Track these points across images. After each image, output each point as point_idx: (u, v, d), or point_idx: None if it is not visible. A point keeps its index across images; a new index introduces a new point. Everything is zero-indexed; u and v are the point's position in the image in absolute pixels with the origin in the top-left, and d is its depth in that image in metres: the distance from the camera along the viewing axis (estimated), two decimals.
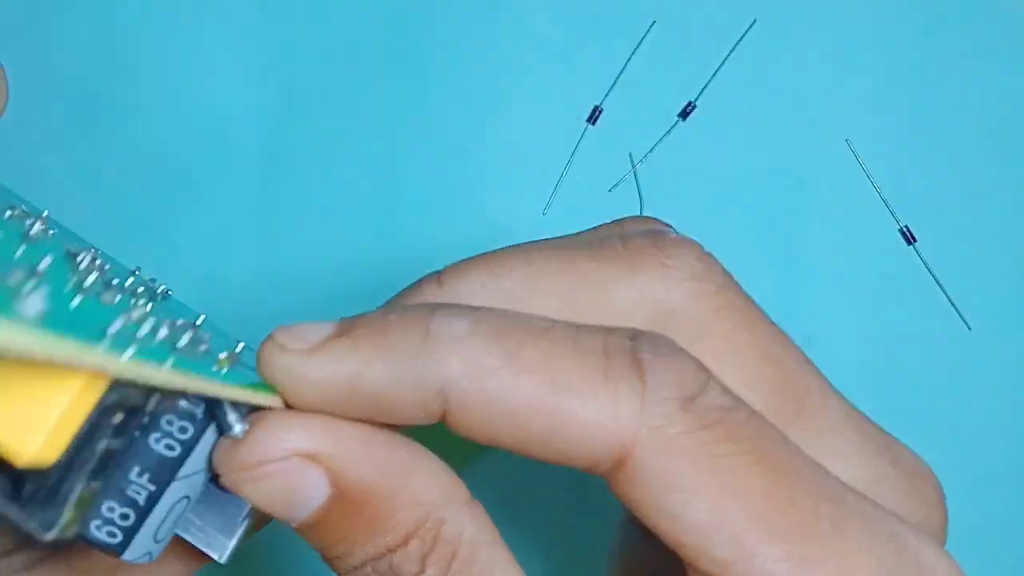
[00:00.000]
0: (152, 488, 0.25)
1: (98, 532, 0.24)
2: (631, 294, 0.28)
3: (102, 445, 0.23)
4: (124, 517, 0.25)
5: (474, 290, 0.28)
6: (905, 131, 0.35)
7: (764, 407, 0.28)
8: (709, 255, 0.28)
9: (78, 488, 0.23)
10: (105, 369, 0.20)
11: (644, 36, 0.35)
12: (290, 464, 0.26)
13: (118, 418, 0.23)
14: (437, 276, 0.28)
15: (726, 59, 0.35)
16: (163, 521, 0.25)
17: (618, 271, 0.28)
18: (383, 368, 0.26)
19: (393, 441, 0.26)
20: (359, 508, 0.26)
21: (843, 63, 0.36)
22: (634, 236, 0.28)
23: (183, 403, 0.25)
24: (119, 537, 0.24)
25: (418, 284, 0.29)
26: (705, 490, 0.26)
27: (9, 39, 0.39)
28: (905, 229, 0.35)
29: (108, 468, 0.24)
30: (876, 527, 0.27)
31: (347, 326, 0.26)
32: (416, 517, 0.27)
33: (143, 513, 0.25)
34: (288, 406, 0.26)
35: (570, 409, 0.26)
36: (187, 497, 0.26)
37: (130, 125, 0.37)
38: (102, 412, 0.22)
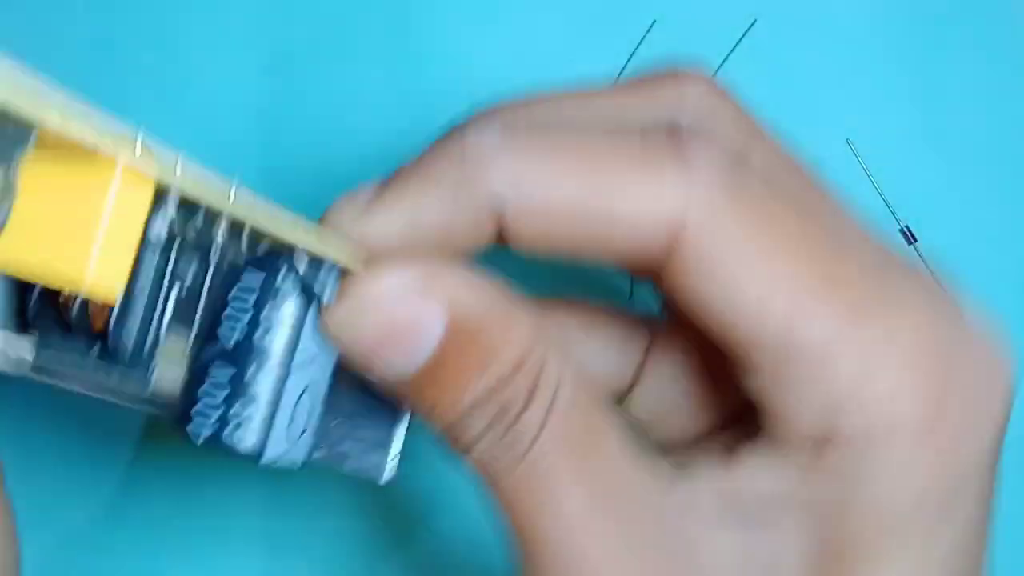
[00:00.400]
0: (267, 376, 0.24)
1: (229, 438, 0.24)
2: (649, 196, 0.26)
3: (175, 291, 0.23)
4: (248, 417, 0.24)
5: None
6: (906, 131, 0.35)
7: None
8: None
9: (160, 334, 0.23)
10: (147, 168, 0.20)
11: (644, 36, 0.35)
12: (409, 299, 0.25)
13: (190, 265, 0.23)
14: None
15: (726, 59, 0.35)
16: (292, 419, 0.25)
17: (633, 171, 0.26)
18: (434, 203, 0.26)
19: (489, 278, 0.26)
20: (471, 341, 0.25)
21: (843, 63, 0.36)
22: (654, 133, 0.26)
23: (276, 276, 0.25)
24: (254, 439, 0.24)
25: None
26: (760, 260, 0.25)
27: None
28: (905, 229, 0.35)
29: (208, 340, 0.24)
30: (920, 285, 0.26)
31: (386, 181, 0.26)
32: (522, 349, 0.26)
33: (270, 409, 0.24)
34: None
35: (618, 200, 0.25)
36: (308, 390, 0.25)
37: None
38: (164, 243, 0.22)
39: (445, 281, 0.25)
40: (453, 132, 0.26)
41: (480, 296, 0.26)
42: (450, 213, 0.26)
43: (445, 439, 0.26)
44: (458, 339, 0.25)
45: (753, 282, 0.25)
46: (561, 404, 0.26)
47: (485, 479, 0.26)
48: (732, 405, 0.29)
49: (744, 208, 0.25)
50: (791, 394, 0.26)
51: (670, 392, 0.30)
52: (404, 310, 0.25)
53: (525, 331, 0.26)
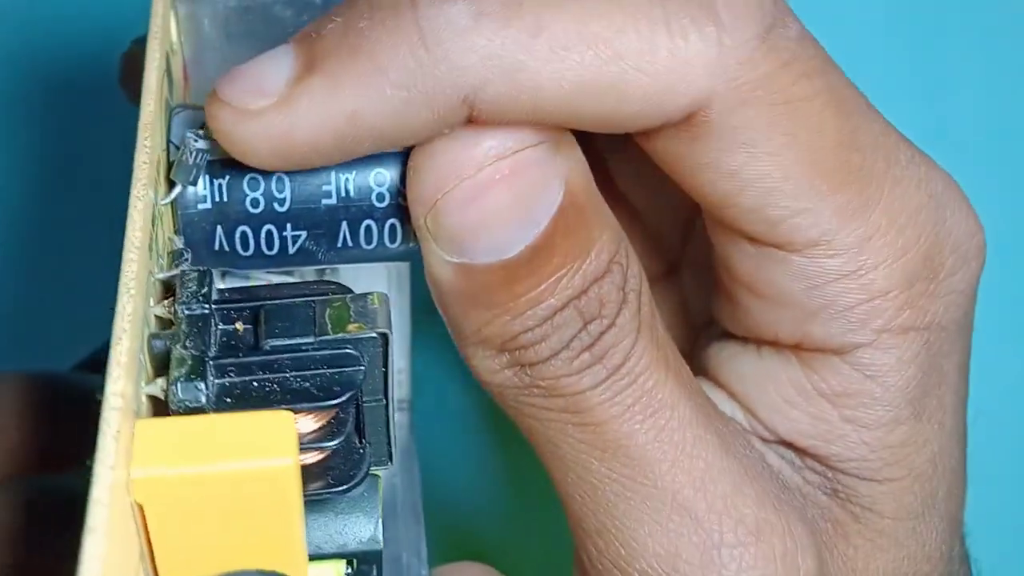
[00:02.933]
0: None
1: None
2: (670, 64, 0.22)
3: None
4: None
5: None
6: (905, 131, 0.36)
7: None
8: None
9: None
10: None
11: None
12: (543, 151, 0.22)
13: None
14: None
15: None
16: None
17: (650, 33, 0.21)
18: (382, 99, 0.21)
19: None
20: (578, 222, 0.22)
21: (843, 62, 0.35)
22: None
23: None
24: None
25: None
26: (774, 141, 0.22)
27: None
28: None
29: None
30: (913, 157, 0.24)
31: (309, 58, 0.21)
32: (617, 236, 0.23)
33: None
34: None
35: (629, 79, 0.21)
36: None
37: None
38: None
39: (569, 145, 0.22)
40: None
41: (589, 174, 0.22)
42: (405, 110, 0.21)
43: (502, 352, 0.22)
44: (565, 220, 0.22)
45: (767, 169, 0.22)
46: (649, 315, 0.23)
47: (556, 402, 0.23)
48: None
49: (775, 86, 0.22)
50: (769, 298, 0.24)
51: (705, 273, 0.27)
52: (537, 166, 0.21)
53: (614, 223, 0.23)
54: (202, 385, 0.19)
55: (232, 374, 0.20)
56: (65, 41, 0.40)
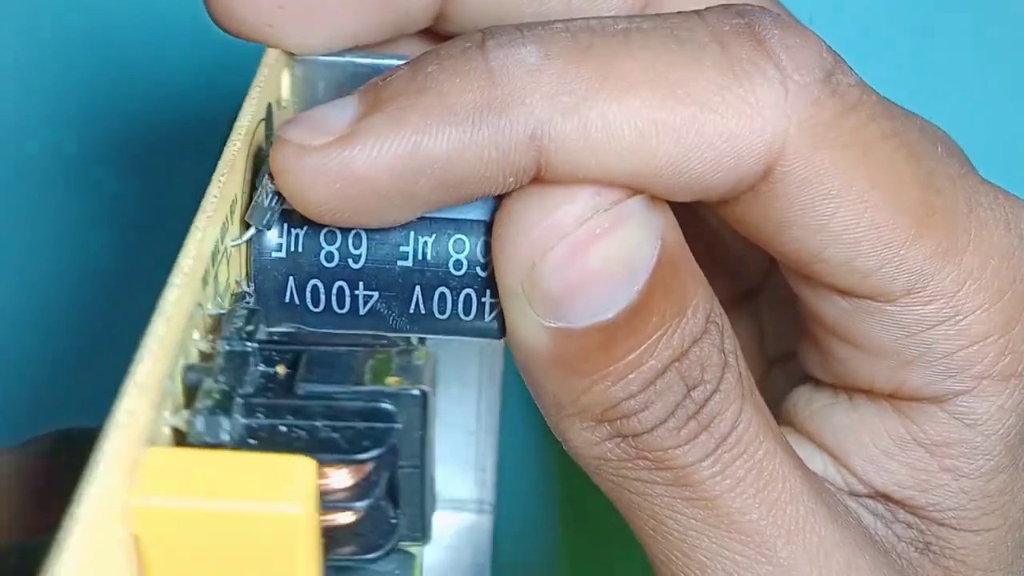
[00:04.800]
0: None
1: None
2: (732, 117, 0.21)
3: None
4: None
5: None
6: None
7: None
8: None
9: None
10: None
11: None
12: (641, 203, 0.21)
13: None
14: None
15: None
16: None
17: (719, 85, 0.21)
18: (448, 130, 0.20)
19: None
20: (674, 278, 0.21)
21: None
22: (734, 35, 0.21)
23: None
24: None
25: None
26: (856, 187, 0.21)
27: None
28: None
29: None
30: (995, 198, 0.23)
31: (374, 98, 0.21)
32: (710, 293, 0.22)
33: None
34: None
35: (703, 120, 0.20)
36: None
37: None
38: None
39: (660, 203, 0.21)
40: (464, 43, 0.21)
41: (678, 228, 0.21)
42: (470, 145, 0.20)
43: (602, 422, 0.21)
44: (661, 277, 0.21)
45: (854, 219, 0.21)
46: (747, 375, 0.22)
47: (662, 475, 0.21)
48: None
49: (846, 128, 0.21)
50: (864, 348, 0.23)
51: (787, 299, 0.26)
52: (628, 227, 0.20)
53: (704, 279, 0.22)
54: (226, 421, 0.18)
55: (260, 415, 0.19)
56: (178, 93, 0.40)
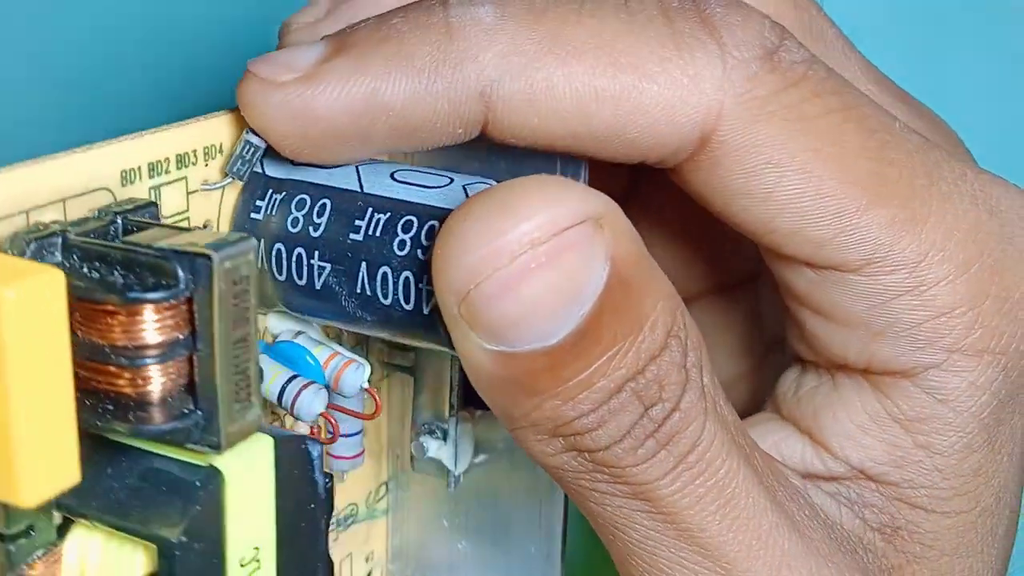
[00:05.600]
0: None
1: None
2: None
3: None
4: None
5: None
6: None
7: None
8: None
9: None
10: None
11: None
12: (584, 231, 0.20)
13: None
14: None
15: None
16: None
17: (660, 55, 0.22)
18: (404, 80, 0.21)
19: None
20: (627, 298, 0.20)
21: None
22: (681, 10, 0.22)
23: None
24: None
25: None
26: (798, 158, 0.22)
27: None
28: None
29: None
30: (962, 173, 0.23)
31: (340, 43, 0.22)
32: (672, 305, 0.21)
33: None
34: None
35: (640, 88, 0.21)
36: None
37: None
38: None
39: (614, 217, 0.20)
40: (431, 2, 0.22)
41: (637, 243, 0.21)
42: (424, 95, 0.21)
43: (556, 437, 0.21)
44: (612, 298, 0.20)
45: (794, 184, 0.22)
46: (712, 389, 0.21)
47: (621, 488, 0.21)
48: None
49: (786, 102, 0.22)
50: (833, 319, 0.23)
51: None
52: (578, 247, 0.20)
53: (669, 292, 0.21)
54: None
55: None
56: None
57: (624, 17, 0.22)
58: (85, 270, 0.20)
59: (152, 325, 0.19)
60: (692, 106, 0.22)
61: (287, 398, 0.25)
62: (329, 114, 0.21)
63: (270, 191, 0.25)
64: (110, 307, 0.19)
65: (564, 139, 0.22)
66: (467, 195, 0.23)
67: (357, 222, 0.24)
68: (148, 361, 0.20)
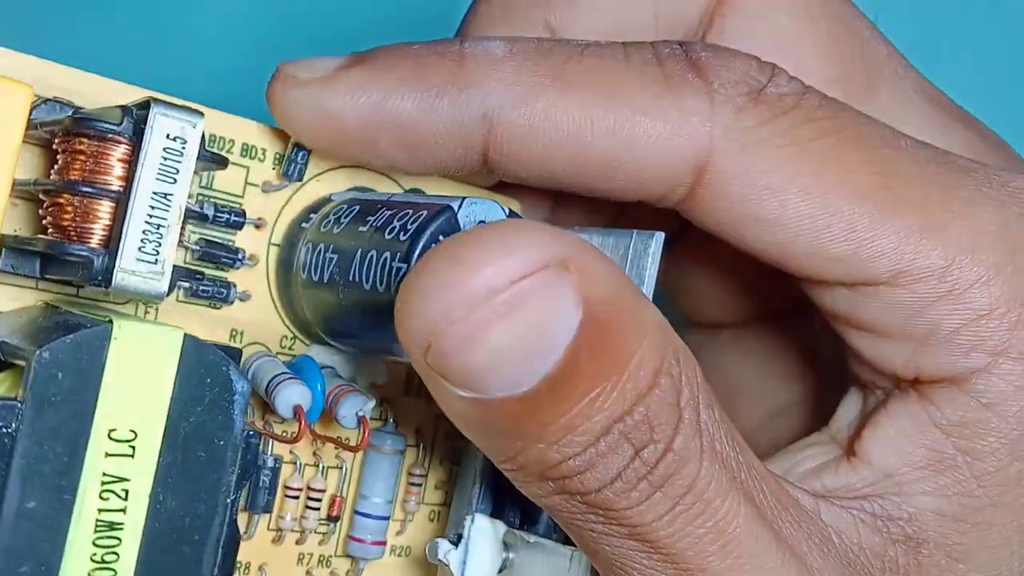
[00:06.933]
0: None
1: None
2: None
3: None
4: None
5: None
6: None
7: (835, 79, 0.25)
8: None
9: None
10: None
11: None
12: (545, 277, 0.19)
13: None
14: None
15: None
16: None
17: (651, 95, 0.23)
18: (413, 96, 0.23)
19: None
20: (605, 340, 0.20)
21: None
22: (670, 53, 0.24)
23: None
24: None
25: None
26: (797, 180, 0.22)
27: None
28: None
29: None
30: (985, 179, 0.23)
31: (361, 56, 0.24)
32: (662, 341, 0.21)
33: None
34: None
35: (633, 121, 0.23)
36: None
37: None
38: None
39: (581, 246, 0.20)
40: (451, 38, 0.24)
41: (615, 280, 0.20)
42: (429, 111, 0.23)
43: (544, 480, 0.20)
44: (589, 342, 0.20)
45: (800, 205, 0.22)
46: (711, 425, 0.21)
47: (617, 529, 0.21)
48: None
49: (777, 130, 0.23)
50: (875, 333, 0.23)
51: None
52: (540, 294, 0.19)
53: (657, 328, 0.21)
54: None
55: None
56: None
57: (621, 60, 0.23)
58: None
59: (88, 163, 0.22)
60: (683, 137, 0.23)
61: (272, 386, 0.26)
62: (339, 115, 0.23)
63: (323, 207, 0.27)
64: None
65: (563, 172, 0.23)
66: (462, 206, 0.24)
67: (368, 217, 0.25)
68: (84, 191, 0.22)
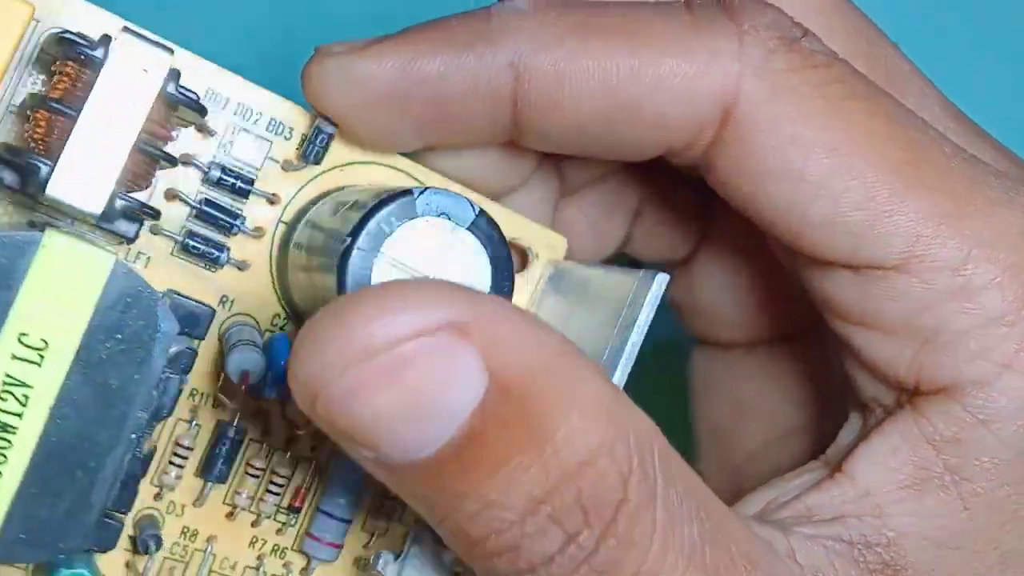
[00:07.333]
0: None
1: None
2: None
3: None
4: None
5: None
6: None
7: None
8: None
9: None
10: None
11: None
12: (438, 342, 0.18)
13: None
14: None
15: None
16: None
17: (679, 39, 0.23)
18: (441, 53, 0.23)
19: (538, 319, 0.19)
20: (520, 410, 0.18)
21: None
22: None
23: None
24: None
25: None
26: (824, 136, 0.22)
27: None
28: None
29: None
30: (1013, 186, 0.22)
31: (395, 35, 0.24)
32: (596, 414, 0.19)
33: None
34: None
35: (659, 62, 0.23)
36: None
37: None
38: None
39: (492, 312, 0.18)
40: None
41: (539, 350, 0.19)
42: (458, 66, 0.23)
43: (472, 553, 0.19)
44: (499, 412, 0.18)
45: (830, 166, 0.22)
46: (674, 504, 0.19)
47: None
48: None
49: (807, 79, 0.22)
50: (879, 329, 0.22)
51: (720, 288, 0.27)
52: (431, 360, 0.18)
53: (597, 403, 0.19)
54: None
55: None
56: None
57: (650, 9, 0.23)
58: None
59: (67, 84, 0.23)
60: (710, 76, 0.22)
61: (231, 348, 0.26)
62: (368, 77, 0.24)
63: (332, 192, 0.27)
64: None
65: (590, 120, 0.23)
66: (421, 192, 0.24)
67: (355, 199, 0.25)
68: (53, 107, 0.23)
